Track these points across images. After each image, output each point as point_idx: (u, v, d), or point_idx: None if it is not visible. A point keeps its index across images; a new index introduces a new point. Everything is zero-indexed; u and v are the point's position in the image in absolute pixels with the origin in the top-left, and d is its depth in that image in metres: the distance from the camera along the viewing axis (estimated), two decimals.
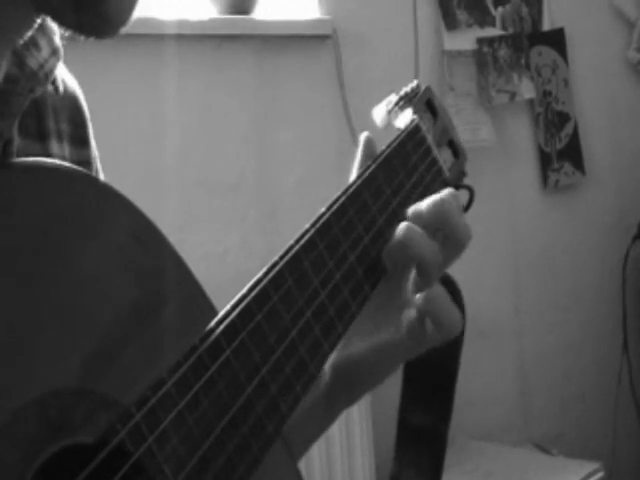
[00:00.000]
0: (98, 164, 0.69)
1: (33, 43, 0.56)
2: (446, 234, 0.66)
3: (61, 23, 0.50)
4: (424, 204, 0.66)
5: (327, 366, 0.70)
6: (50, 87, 0.61)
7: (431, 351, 0.68)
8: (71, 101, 0.65)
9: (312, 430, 0.73)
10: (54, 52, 0.58)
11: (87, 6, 0.49)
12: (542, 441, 2.36)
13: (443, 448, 0.71)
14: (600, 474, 2.10)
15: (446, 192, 0.67)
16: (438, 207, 0.65)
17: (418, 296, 0.65)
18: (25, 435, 0.42)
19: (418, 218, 0.66)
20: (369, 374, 0.69)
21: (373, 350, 0.68)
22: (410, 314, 0.66)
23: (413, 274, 0.67)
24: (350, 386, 0.70)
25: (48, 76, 0.58)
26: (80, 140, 0.66)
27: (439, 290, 0.64)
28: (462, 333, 0.70)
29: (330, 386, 0.71)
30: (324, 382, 0.71)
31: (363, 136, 0.73)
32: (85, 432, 0.45)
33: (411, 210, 0.67)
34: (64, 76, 0.65)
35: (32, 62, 0.56)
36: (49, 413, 0.43)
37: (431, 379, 0.72)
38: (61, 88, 0.63)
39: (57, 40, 0.59)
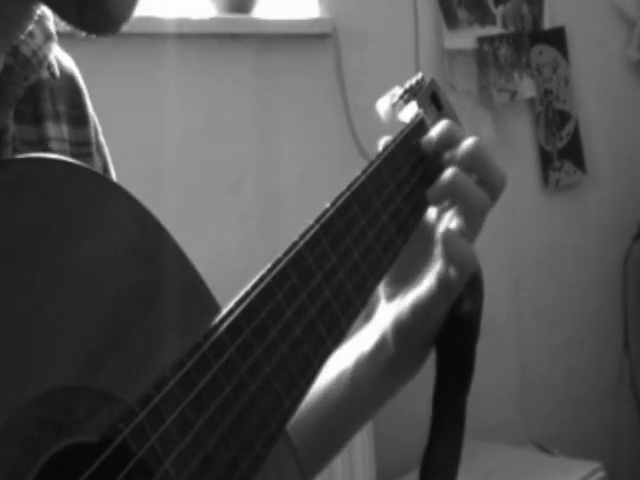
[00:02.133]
0: (101, 138, 0.69)
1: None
2: (481, 178, 0.69)
3: (62, 17, 0.50)
4: (461, 147, 0.70)
5: (389, 340, 0.73)
6: (46, 73, 0.61)
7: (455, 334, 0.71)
8: (68, 81, 0.65)
9: (378, 400, 0.76)
10: (48, 38, 0.58)
11: (90, 2, 0.48)
12: (542, 441, 2.36)
13: (463, 424, 0.77)
14: (600, 474, 2.09)
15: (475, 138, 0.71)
16: (475, 149, 0.69)
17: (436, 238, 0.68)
18: (26, 434, 0.41)
19: (456, 161, 0.69)
20: (419, 333, 0.71)
21: (414, 309, 0.70)
22: (439, 267, 0.69)
23: (442, 226, 0.69)
24: (409, 348, 0.72)
25: (42, 62, 0.58)
26: (78, 120, 0.65)
27: (453, 229, 0.67)
28: (478, 317, 0.71)
29: (396, 354, 0.73)
30: (389, 354, 0.73)
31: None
32: (87, 430, 0.44)
33: (448, 154, 0.70)
34: (60, 57, 0.65)
35: (26, 49, 0.56)
36: (51, 411, 0.42)
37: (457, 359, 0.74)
38: (57, 72, 0.62)
39: (50, 25, 0.59)
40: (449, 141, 0.71)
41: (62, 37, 0.61)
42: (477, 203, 0.68)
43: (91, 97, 0.68)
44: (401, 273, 0.72)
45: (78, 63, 0.68)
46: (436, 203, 0.70)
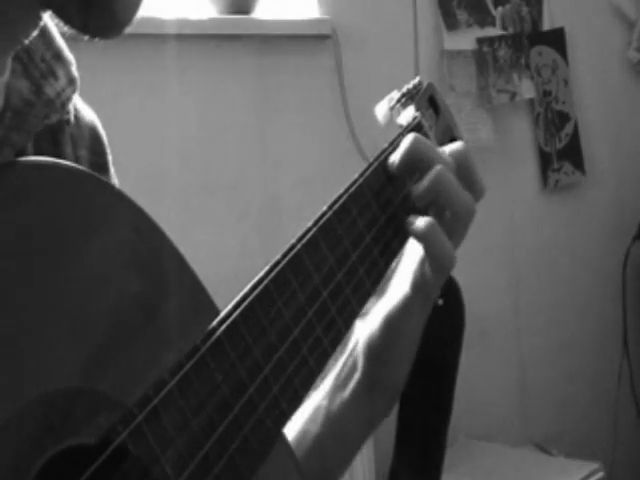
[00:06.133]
0: None
1: (51, 72, 0.57)
2: (467, 185, 0.68)
3: (66, 21, 0.50)
4: (448, 149, 0.69)
5: (359, 362, 0.70)
6: (66, 116, 0.61)
7: (432, 350, 0.68)
8: (90, 131, 0.66)
9: (358, 429, 0.72)
10: (71, 82, 0.59)
11: (94, 5, 0.49)
12: (542, 441, 2.36)
13: (443, 448, 0.71)
14: (600, 474, 2.09)
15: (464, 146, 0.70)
16: (464, 154, 0.69)
17: (415, 228, 0.65)
18: (26, 436, 0.41)
19: (446, 163, 0.67)
20: (393, 348, 0.69)
21: (386, 322, 0.68)
22: (414, 267, 0.67)
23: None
24: (381, 365, 0.69)
25: (64, 105, 0.58)
26: (99, 167, 0.66)
27: (432, 222, 0.65)
28: (461, 332, 0.70)
29: (366, 374, 0.70)
30: (358, 376, 0.70)
31: None
32: (86, 432, 0.44)
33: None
34: (79, 107, 0.65)
35: (49, 90, 0.57)
36: (49, 413, 0.43)
37: (431, 380, 0.72)
38: (72, 118, 0.63)
39: (74, 71, 0.59)
40: (415, 161, 0.67)
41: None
42: (463, 205, 0.66)
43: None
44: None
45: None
46: (420, 202, 0.67)
